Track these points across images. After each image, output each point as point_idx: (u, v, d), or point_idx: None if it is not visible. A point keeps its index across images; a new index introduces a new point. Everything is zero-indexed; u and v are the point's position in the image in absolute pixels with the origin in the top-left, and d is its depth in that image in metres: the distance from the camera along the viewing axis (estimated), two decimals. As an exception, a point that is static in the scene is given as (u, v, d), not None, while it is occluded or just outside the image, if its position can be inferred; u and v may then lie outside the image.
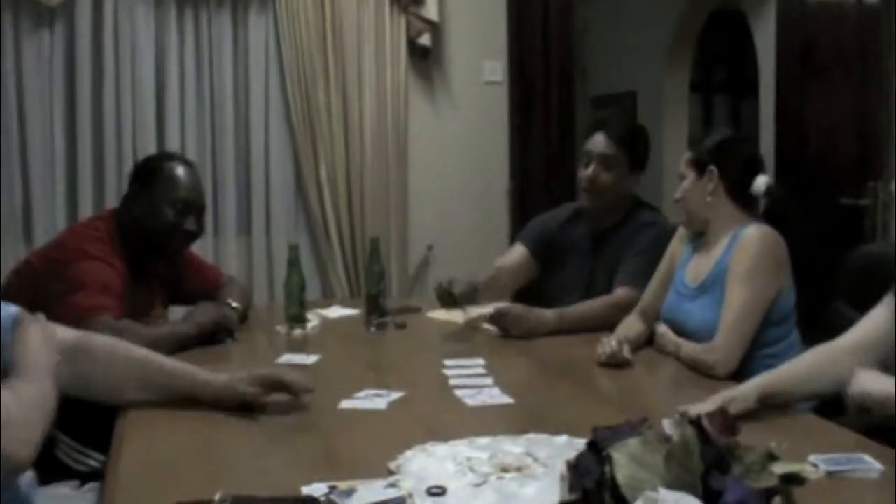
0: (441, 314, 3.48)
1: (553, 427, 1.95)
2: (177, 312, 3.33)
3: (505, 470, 1.71)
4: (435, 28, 5.38)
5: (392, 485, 1.63)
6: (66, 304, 2.71)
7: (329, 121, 5.22)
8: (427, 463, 1.75)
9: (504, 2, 5.58)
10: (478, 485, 1.64)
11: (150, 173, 3.12)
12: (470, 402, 2.27)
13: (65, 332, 2.06)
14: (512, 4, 5.58)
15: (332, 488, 1.60)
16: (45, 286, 2.80)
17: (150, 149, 4.82)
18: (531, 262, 3.53)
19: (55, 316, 2.64)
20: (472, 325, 3.22)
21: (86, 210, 4.80)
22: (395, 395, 2.29)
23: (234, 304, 3.20)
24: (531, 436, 1.91)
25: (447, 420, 2.15)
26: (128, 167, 4.39)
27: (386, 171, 5.33)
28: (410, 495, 1.58)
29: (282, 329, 3.22)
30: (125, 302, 2.87)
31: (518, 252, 3.56)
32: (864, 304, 2.22)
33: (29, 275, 2.93)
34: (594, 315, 3.15)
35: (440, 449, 1.83)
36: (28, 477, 1.84)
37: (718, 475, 1.22)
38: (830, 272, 2.97)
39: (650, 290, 3.01)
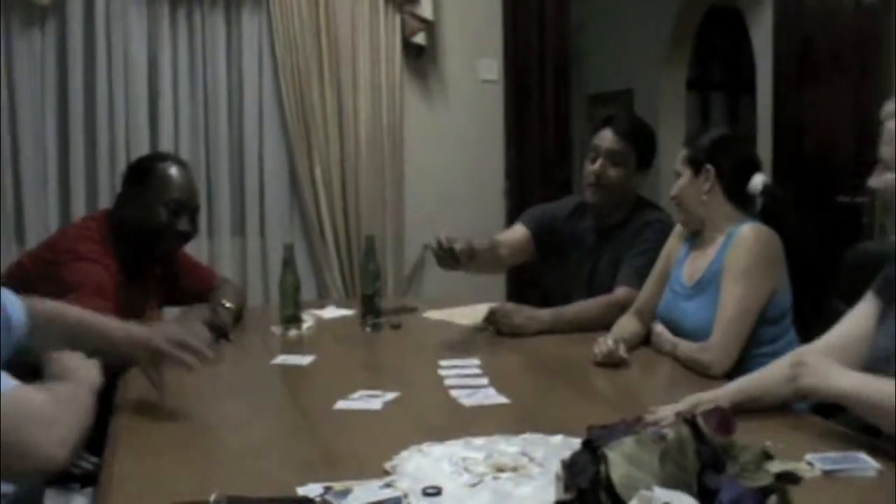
0: (436, 314, 3.50)
1: (549, 427, 1.96)
2: (171, 314, 3.34)
3: (501, 470, 1.72)
4: (430, 26, 5.38)
5: (388, 485, 1.64)
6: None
7: (324, 120, 5.22)
8: (423, 463, 1.76)
9: (499, 0, 5.59)
10: (473, 485, 1.65)
11: (143, 173, 3.13)
12: (465, 402, 2.28)
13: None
14: (507, 2, 5.58)
15: (328, 489, 1.61)
16: (38, 288, 2.80)
17: (143, 149, 4.82)
18: (531, 244, 3.51)
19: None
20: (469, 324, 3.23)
21: (78, 211, 4.80)
22: (391, 396, 2.30)
23: (229, 305, 3.21)
24: (527, 436, 1.92)
25: (443, 420, 2.16)
26: (121, 167, 4.39)
27: (381, 171, 5.33)
28: (406, 495, 1.59)
29: (277, 330, 3.23)
30: (118, 303, 2.87)
31: (519, 231, 3.53)
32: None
33: (21, 276, 2.93)
34: (593, 314, 3.15)
35: (436, 449, 1.84)
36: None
37: (714, 474, 1.23)
38: (828, 270, 2.98)
39: (646, 290, 3.02)
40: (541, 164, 5.63)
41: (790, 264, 2.74)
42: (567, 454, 1.41)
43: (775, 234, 2.70)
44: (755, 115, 5.95)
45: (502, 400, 2.29)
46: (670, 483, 1.22)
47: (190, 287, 3.37)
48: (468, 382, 2.45)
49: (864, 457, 1.78)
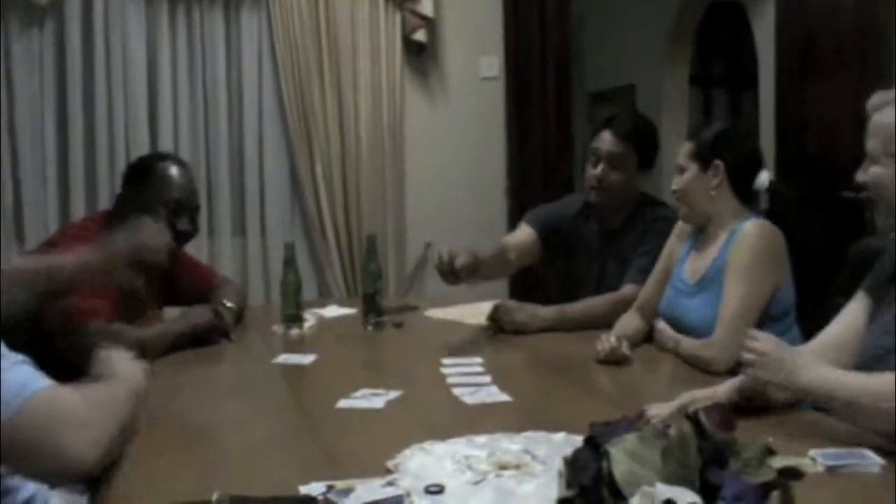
0: (438, 312, 3.50)
1: (551, 424, 1.96)
2: (172, 314, 3.34)
3: (503, 468, 1.72)
4: (430, 24, 5.39)
5: (390, 483, 1.64)
6: (59, 307, 2.72)
7: (324, 118, 5.24)
8: (425, 461, 1.77)
9: (500, -4, 5.59)
10: (476, 483, 1.66)
11: (143, 173, 3.13)
12: (468, 400, 2.28)
13: None
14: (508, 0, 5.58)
15: (330, 487, 1.61)
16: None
17: (142, 148, 4.83)
18: (537, 245, 3.47)
19: (47, 318, 2.67)
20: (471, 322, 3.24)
21: (78, 211, 4.81)
22: (393, 395, 2.31)
23: (230, 305, 3.21)
24: (529, 433, 1.92)
25: (445, 419, 2.17)
26: (120, 167, 4.39)
27: (382, 169, 5.35)
28: (408, 494, 1.60)
29: (278, 329, 3.24)
30: (118, 304, 2.88)
31: (525, 232, 3.49)
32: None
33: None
34: (599, 311, 3.14)
35: (438, 447, 1.85)
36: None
37: (716, 470, 1.23)
38: (831, 266, 2.98)
39: (648, 287, 3.02)
40: (542, 161, 5.64)
41: (793, 261, 2.74)
42: (570, 452, 1.42)
43: (779, 231, 2.70)
44: (757, 111, 5.94)
45: (505, 398, 2.30)
46: (673, 479, 1.23)
47: (191, 287, 3.37)
48: (471, 381, 2.45)
49: (868, 453, 1.78)
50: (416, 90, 5.53)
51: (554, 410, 2.23)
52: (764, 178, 2.79)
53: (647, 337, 2.93)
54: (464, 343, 3.02)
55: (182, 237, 3.16)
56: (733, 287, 2.64)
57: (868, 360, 2.03)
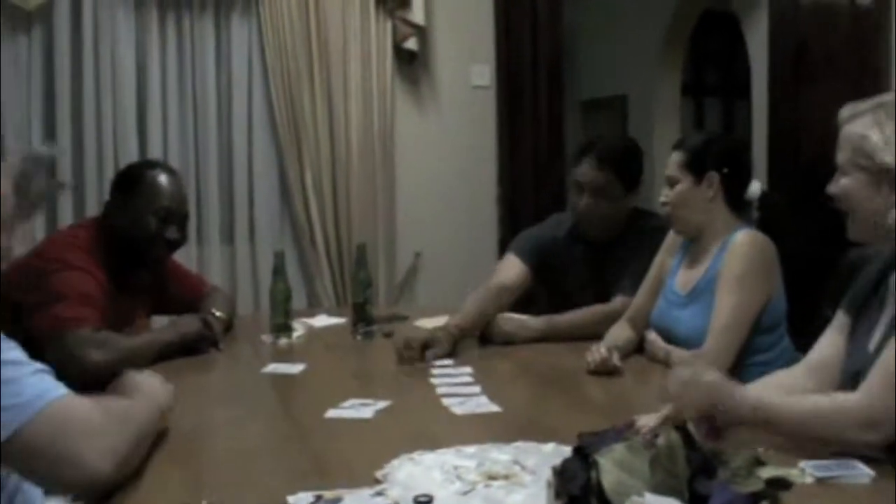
0: (427, 322, 3.50)
1: (541, 435, 1.97)
2: (161, 322, 3.35)
3: (492, 478, 1.73)
4: (421, 32, 5.40)
5: (378, 493, 1.65)
6: (46, 314, 2.73)
7: (314, 126, 5.24)
8: (414, 471, 1.78)
9: (491, 5, 5.60)
10: (465, 493, 1.67)
11: (131, 181, 3.14)
12: (457, 410, 2.30)
13: None
14: (499, 7, 5.60)
15: (318, 497, 1.62)
16: (24, 296, 2.81)
17: (131, 156, 4.83)
18: (528, 278, 3.38)
19: (35, 327, 2.68)
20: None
21: (65, 218, 4.80)
22: (382, 405, 2.32)
23: (219, 314, 3.22)
24: (519, 444, 1.94)
25: (434, 429, 2.17)
26: (109, 174, 4.40)
27: (372, 177, 5.35)
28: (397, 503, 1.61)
29: (267, 338, 3.25)
30: (106, 312, 2.89)
31: (516, 268, 3.37)
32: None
33: (8, 284, 2.94)
34: (589, 323, 3.14)
35: (427, 457, 1.86)
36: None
37: (705, 480, 1.25)
38: (824, 277, 2.99)
39: (639, 297, 3.02)
40: (533, 170, 5.65)
41: (785, 271, 2.75)
42: (559, 462, 1.43)
43: (770, 242, 2.71)
44: (750, 120, 5.97)
45: (494, 408, 2.31)
46: (661, 489, 1.25)
47: (179, 296, 3.38)
48: (460, 391, 2.47)
49: (858, 464, 1.79)
50: (407, 98, 5.53)
51: (544, 421, 2.25)
52: (755, 187, 2.81)
53: (638, 348, 2.94)
54: (453, 353, 3.01)
55: (171, 245, 3.17)
56: (725, 298, 2.65)
57: (846, 381, 2.05)
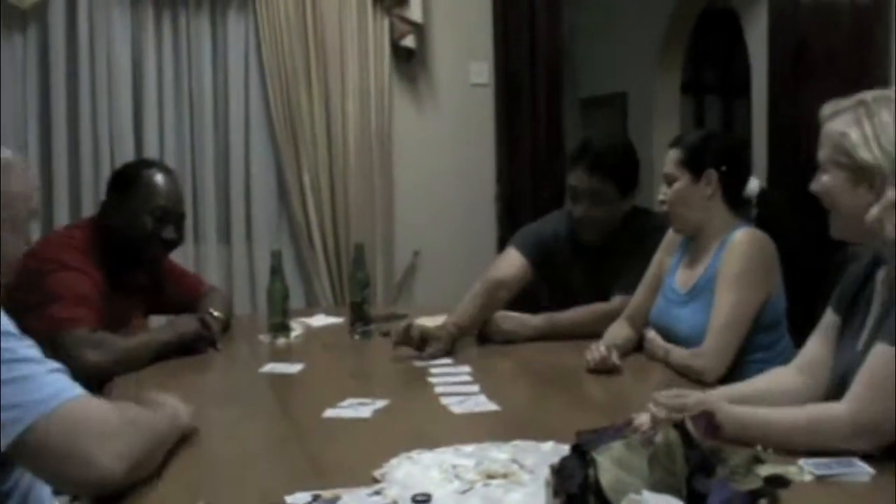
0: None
1: (540, 434, 1.98)
2: (158, 322, 3.36)
3: (491, 477, 1.74)
4: (419, 30, 5.40)
5: (376, 493, 1.66)
6: (42, 315, 2.73)
7: (311, 125, 5.24)
8: (412, 471, 1.79)
9: (489, 2, 5.60)
10: (463, 492, 1.68)
11: (128, 181, 3.14)
12: (456, 409, 2.31)
13: None
14: (497, 5, 5.60)
15: (316, 497, 1.63)
16: (20, 297, 2.82)
17: (127, 155, 4.83)
18: (529, 272, 3.37)
19: (30, 328, 2.68)
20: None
21: (61, 218, 4.80)
22: (380, 404, 2.33)
23: (216, 314, 3.23)
24: (517, 443, 1.94)
25: (432, 428, 2.18)
26: (105, 174, 4.41)
27: (370, 176, 5.35)
28: (395, 503, 1.62)
29: (264, 338, 3.26)
30: (103, 313, 2.90)
31: (516, 261, 3.36)
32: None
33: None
34: (588, 322, 3.15)
35: (425, 457, 1.87)
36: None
37: (703, 478, 1.26)
38: (823, 275, 3.00)
39: (638, 295, 3.03)
40: (532, 168, 5.64)
41: (785, 269, 2.76)
42: (557, 460, 1.44)
43: (770, 239, 2.72)
44: (750, 118, 5.98)
45: (493, 407, 2.32)
46: (659, 487, 1.26)
47: (176, 296, 3.39)
48: (459, 390, 2.48)
49: (857, 462, 1.80)
50: (405, 96, 5.54)
51: (542, 420, 2.26)
52: (754, 185, 2.82)
53: (637, 346, 2.95)
54: (452, 352, 3.02)
55: (167, 245, 3.17)
56: (724, 296, 2.66)
57: (835, 383, 2.08)
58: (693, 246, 2.89)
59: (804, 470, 1.75)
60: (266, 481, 1.80)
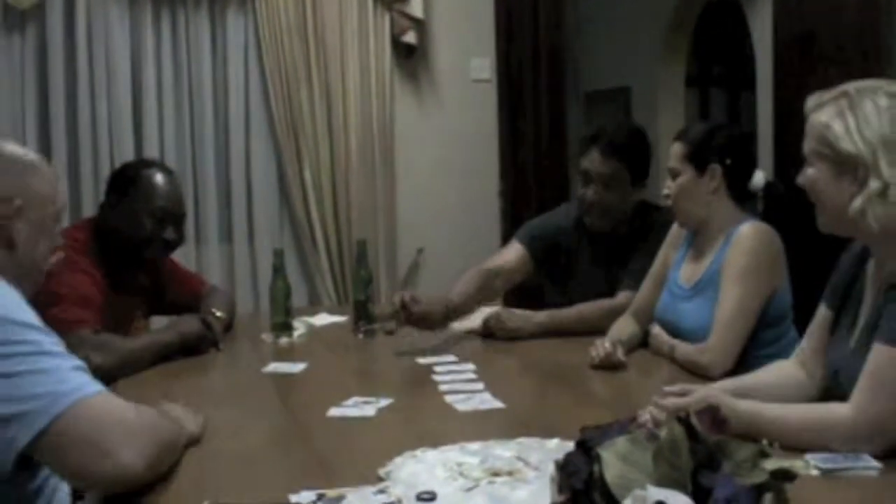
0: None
1: (545, 431, 1.99)
2: (160, 323, 3.37)
3: (496, 474, 1.75)
4: (420, 25, 5.42)
5: (381, 491, 1.67)
6: (44, 317, 2.73)
7: (312, 122, 5.27)
8: (417, 469, 1.80)
9: (491, -3, 5.60)
10: (468, 489, 1.69)
11: (128, 181, 3.15)
12: (460, 407, 2.32)
13: None
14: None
15: (321, 496, 1.64)
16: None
17: (127, 155, 4.85)
18: (528, 263, 3.41)
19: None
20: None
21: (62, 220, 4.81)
22: (385, 402, 2.34)
23: (219, 314, 3.24)
24: (522, 440, 1.96)
25: (437, 426, 2.20)
26: (105, 174, 4.42)
27: (372, 174, 5.38)
28: (400, 501, 1.63)
29: (267, 337, 3.27)
30: (104, 314, 2.90)
31: (514, 251, 3.41)
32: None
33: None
34: (593, 318, 3.16)
35: (430, 455, 1.88)
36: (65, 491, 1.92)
37: (708, 472, 1.26)
38: (830, 268, 3.01)
39: (644, 291, 3.04)
40: (536, 164, 5.67)
41: (792, 263, 2.77)
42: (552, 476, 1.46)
43: (776, 234, 2.73)
44: (756, 111, 5.98)
45: (498, 405, 2.33)
46: (664, 482, 1.26)
47: (178, 296, 3.40)
48: (463, 387, 2.49)
49: (865, 456, 1.81)
50: (406, 93, 5.56)
51: (547, 417, 2.27)
52: (759, 178, 2.82)
53: (643, 342, 2.96)
54: (457, 350, 3.02)
55: (168, 246, 3.18)
56: (730, 290, 2.67)
57: (828, 378, 2.11)
58: (698, 240, 2.89)
59: (810, 464, 1.76)
60: (271, 480, 1.81)
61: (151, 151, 4.98)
